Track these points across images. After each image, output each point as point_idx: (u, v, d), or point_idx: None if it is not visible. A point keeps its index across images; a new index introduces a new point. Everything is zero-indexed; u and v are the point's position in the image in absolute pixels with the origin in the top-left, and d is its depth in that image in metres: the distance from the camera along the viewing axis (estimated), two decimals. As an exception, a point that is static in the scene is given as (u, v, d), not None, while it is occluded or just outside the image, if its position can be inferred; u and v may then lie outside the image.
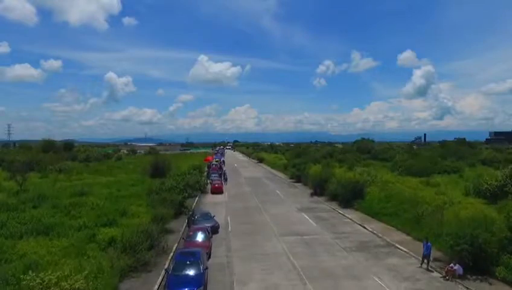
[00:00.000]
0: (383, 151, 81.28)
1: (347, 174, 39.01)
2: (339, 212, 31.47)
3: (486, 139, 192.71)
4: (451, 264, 16.82)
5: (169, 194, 29.71)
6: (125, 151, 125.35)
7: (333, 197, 35.93)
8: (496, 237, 17.09)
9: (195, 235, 21.05)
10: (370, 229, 25.43)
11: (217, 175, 53.02)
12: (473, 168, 49.08)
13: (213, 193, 42.75)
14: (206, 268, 16.37)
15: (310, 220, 28.93)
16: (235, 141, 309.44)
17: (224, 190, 44.08)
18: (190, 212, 28.08)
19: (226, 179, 52.35)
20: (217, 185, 43.83)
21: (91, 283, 13.78)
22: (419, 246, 19.50)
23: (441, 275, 17.12)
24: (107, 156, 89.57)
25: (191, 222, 25.53)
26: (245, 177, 61.10)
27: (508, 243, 16.98)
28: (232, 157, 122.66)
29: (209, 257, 19.39)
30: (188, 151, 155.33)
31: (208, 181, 48.06)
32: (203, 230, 21.85)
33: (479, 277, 16.59)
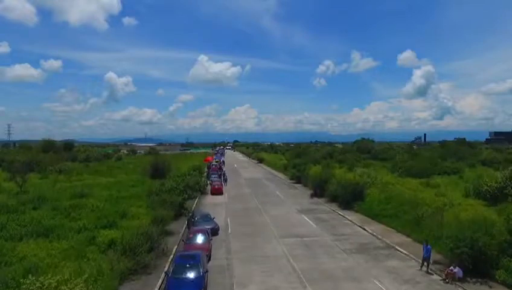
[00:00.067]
0: (383, 151, 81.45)
1: (347, 175, 39.08)
2: (339, 214, 31.47)
3: (486, 139, 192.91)
4: (451, 267, 16.81)
5: (169, 196, 29.70)
6: (125, 152, 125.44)
7: (333, 199, 35.91)
8: (495, 240, 17.07)
9: (195, 237, 21.03)
10: (370, 231, 25.43)
11: (216, 176, 53.04)
12: (473, 169, 49.19)
13: (213, 194, 42.75)
14: (206, 271, 16.37)
15: (309, 221, 28.93)
16: (235, 141, 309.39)
17: (224, 191, 44.09)
18: (190, 214, 28.08)
19: (225, 180, 52.35)
20: (216, 187, 43.84)
21: (91, 286, 13.77)
22: (419, 248, 19.50)
23: (441, 278, 17.12)
24: (107, 156, 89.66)
25: (190, 224, 25.55)
26: (245, 178, 61.09)
27: (507, 246, 16.97)
28: (232, 158, 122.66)
29: (209, 259, 19.39)
30: (188, 152, 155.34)
31: (208, 182, 48.07)
32: (203, 232, 21.82)
33: (479, 280, 16.58)
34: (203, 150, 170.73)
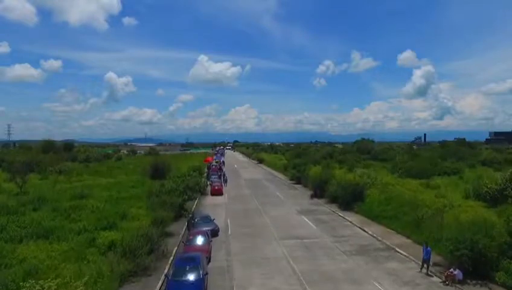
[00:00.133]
0: (383, 151, 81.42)
1: (347, 176, 39.02)
2: (339, 215, 31.46)
3: (486, 139, 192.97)
4: (451, 269, 16.81)
5: (169, 197, 29.72)
6: (125, 152, 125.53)
7: (333, 200, 35.89)
8: (495, 242, 17.06)
9: (194, 239, 21.03)
10: (370, 233, 25.42)
11: (216, 176, 53.03)
12: (473, 169, 49.16)
13: (213, 194, 42.75)
14: (206, 273, 16.36)
15: (309, 223, 28.93)
16: (235, 141, 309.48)
17: (224, 192, 44.09)
18: (190, 215, 28.07)
19: (225, 181, 52.33)
20: (216, 188, 43.84)
21: (90, 289, 13.78)
22: (419, 250, 19.52)
23: (440, 280, 17.12)
24: (107, 157, 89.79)
25: (190, 225, 25.56)
26: (245, 178, 61.08)
27: (507, 248, 16.98)
28: (232, 158, 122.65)
29: (209, 261, 19.39)
30: (188, 152, 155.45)
31: (208, 182, 48.09)
32: (203, 234, 21.83)
33: (479, 282, 16.59)
34: (203, 150, 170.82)
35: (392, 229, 25.65)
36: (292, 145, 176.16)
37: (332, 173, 41.76)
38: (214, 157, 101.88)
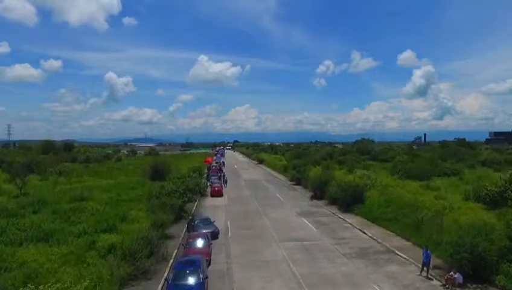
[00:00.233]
0: (383, 152, 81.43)
1: (347, 177, 38.96)
2: (339, 217, 31.45)
3: (486, 139, 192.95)
4: (451, 273, 16.79)
5: (169, 199, 29.67)
6: (125, 152, 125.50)
7: (333, 201, 35.90)
8: (495, 245, 17.07)
9: (194, 242, 21.02)
10: (370, 235, 25.41)
11: (216, 177, 53.03)
12: (473, 170, 49.18)
13: (213, 196, 42.75)
14: (206, 277, 16.35)
15: (309, 225, 28.91)
16: (235, 141, 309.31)
17: (224, 193, 44.08)
18: (190, 217, 28.08)
19: (225, 182, 52.32)
20: (216, 189, 43.82)
21: (90, 293, 13.77)
22: (419, 252, 19.51)
23: (440, 284, 17.12)
24: (107, 157, 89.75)
25: (190, 227, 25.55)
26: (245, 179, 61.06)
27: (507, 251, 16.98)
28: (232, 158, 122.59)
29: (208, 264, 19.39)
30: (188, 152, 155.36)
31: (208, 183, 48.09)
32: (203, 236, 21.82)
33: (479, 286, 16.59)
34: (203, 150, 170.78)
35: (392, 232, 25.64)
36: (292, 145, 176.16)
37: (332, 174, 41.71)
38: (214, 157, 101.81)
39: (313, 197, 41.14)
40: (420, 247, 20.37)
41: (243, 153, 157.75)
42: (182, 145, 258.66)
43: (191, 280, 15.67)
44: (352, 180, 35.41)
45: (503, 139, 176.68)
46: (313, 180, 43.50)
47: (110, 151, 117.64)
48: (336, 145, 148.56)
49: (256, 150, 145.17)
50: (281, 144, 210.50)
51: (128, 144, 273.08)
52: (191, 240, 21.36)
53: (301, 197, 42.92)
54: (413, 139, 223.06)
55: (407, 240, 23.69)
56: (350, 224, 28.89)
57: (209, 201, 40.32)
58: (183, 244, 22.21)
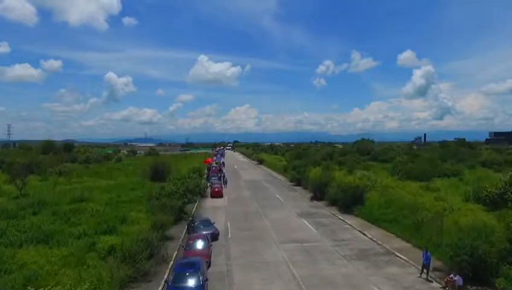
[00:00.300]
0: (383, 152, 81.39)
1: (347, 178, 38.95)
2: (339, 218, 31.44)
3: (486, 139, 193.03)
4: (451, 275, 16.78)
5: (169, 200, 29.61)
6: (125, 152, 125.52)
7: (333, 202, 35.90)
8: (495, 247, 17.05)
9: (194, 243, 21.00)
10: (370, 236, 25.40)
11: (216, 178, 53.03)
12: (473, 171, 49.18)
13: (213, 196, 42.75)
14: (206, 279, 16.34)
15: (309, 226, 28.91)
16: (235, 141, 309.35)
17: (224, 194, 44.07)
18: (190, 219, 28.07)
19: (225, 182, 52.33)
20: (216, 189, 43.82)
21: (90, 295, 13.75)
22: (419, 254, 19.50)
23: (440, 286, 17.12)
24: (107, 157, 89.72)
25: (190, 229, 25.54)
26: (245, 180, 61.06)
27: (507, 254, 16.95)
28: (232, 158, 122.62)
29: (208, 266, 19.38)
30: (188, 152, 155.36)
31: (208, 184, 48.08)
32: (203, 238, 21.82)
33: (479, 288, 16.57)
34: (203, 151, 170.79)
35: (392, 233, 25.63)
36: (292, 146, 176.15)
37: (332, 175, 41.71)
38: (214, 158, 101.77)
39: (313, 198, 41.13)
40: (420, 249, 20.36)
41: (242, 153, 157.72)
42: (182, 145, 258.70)
43: (191, 282, 15.66)
44: (352, 181, 35.42)
45: (503, 139, 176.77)
46: (313, 181, 43.49)
47: (110, 152, 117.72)
48: (336, 145, 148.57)
49: (256, 150, 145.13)
50: (281, 144, 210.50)
51: (128, 144, 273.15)
52: (190, 242, 21.35)
53: (301, 198, 42.91)
54: (413, 139, 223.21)
55: (407, 241, 23.68)
56: (350, 225, 28.89)
57: (209, 202, 40.33)
58: (183, 246, 22.20)
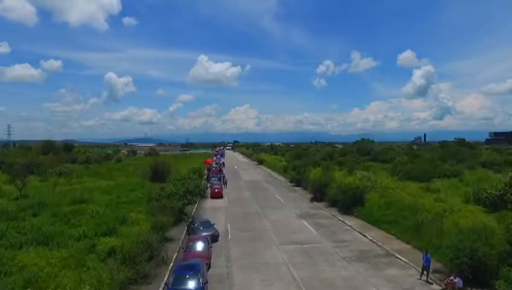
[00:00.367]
0: (383, 152, 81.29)
1: (347, 178, 38.94)
2: (339, 219, 31.44)
3: (486, 139, 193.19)
4: (451, 277, 16.77)
5: (169, 201, 29.62)
6: (125, 152, 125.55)
7: (333, 203, 35.89)
8: (495, 249, 17.06)
9: (194, 245, 20.98)
10: (370, 238, 25.39)
11: (216, 179, 53.06)
12: (473, 171, 49.11)
13: (213, 197, 42.75)
14: (206, 282, 16.33)
15: (309, 227, 28.90)
16: (235, 141, 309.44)
17: (224, 194, 44.08)
18: (190, 220, 28.06)
19: (225, 183, 52.34)
20: (216, 190, 43.82)
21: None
22: (419, 256, 19.52)
23: (440, 288, 17.11)
24: (107, 158, 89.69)
25: (190, 230, 25.52)
26: (245, 180, 61.06)
27: (507, 256, 16.95)
28: (232, 159, 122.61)
29: (208, 267, 19.37)
30: (188, 152, 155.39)
31: (208, 185, 48.08)
32: (203, 239, 21.79)
33: (479, 290, 16.60)
34: (202, 151, 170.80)
35: (392, 235, 25.62)
36: (292, 146, 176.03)
37: (332, 175, 41.70)
38: (214, 158, 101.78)
39: (313, 199, 41.12)
40: (420, 250, 20.37)
41: (242, 153, 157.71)
42: (182, 145, 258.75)
43: (191, 285, 15.65)
44: (352, 182, 35.41)
45: (503, 139, 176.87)
46: (313, 182, 43.50)
47: (110, 152, 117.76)
48: (336, 145, 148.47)
49: (256, 150, 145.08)
50: (281, 144, 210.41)
51: (128, 144, 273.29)
52: (190, 243, 21.32)
53: (301, 198, 42.91)
54: (413, 139, 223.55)
55: (407, 243, 23.67)
56: (350, 227, 28.89)
57: (209, 203, 40.33)
58: (183, 248, 22.19)
